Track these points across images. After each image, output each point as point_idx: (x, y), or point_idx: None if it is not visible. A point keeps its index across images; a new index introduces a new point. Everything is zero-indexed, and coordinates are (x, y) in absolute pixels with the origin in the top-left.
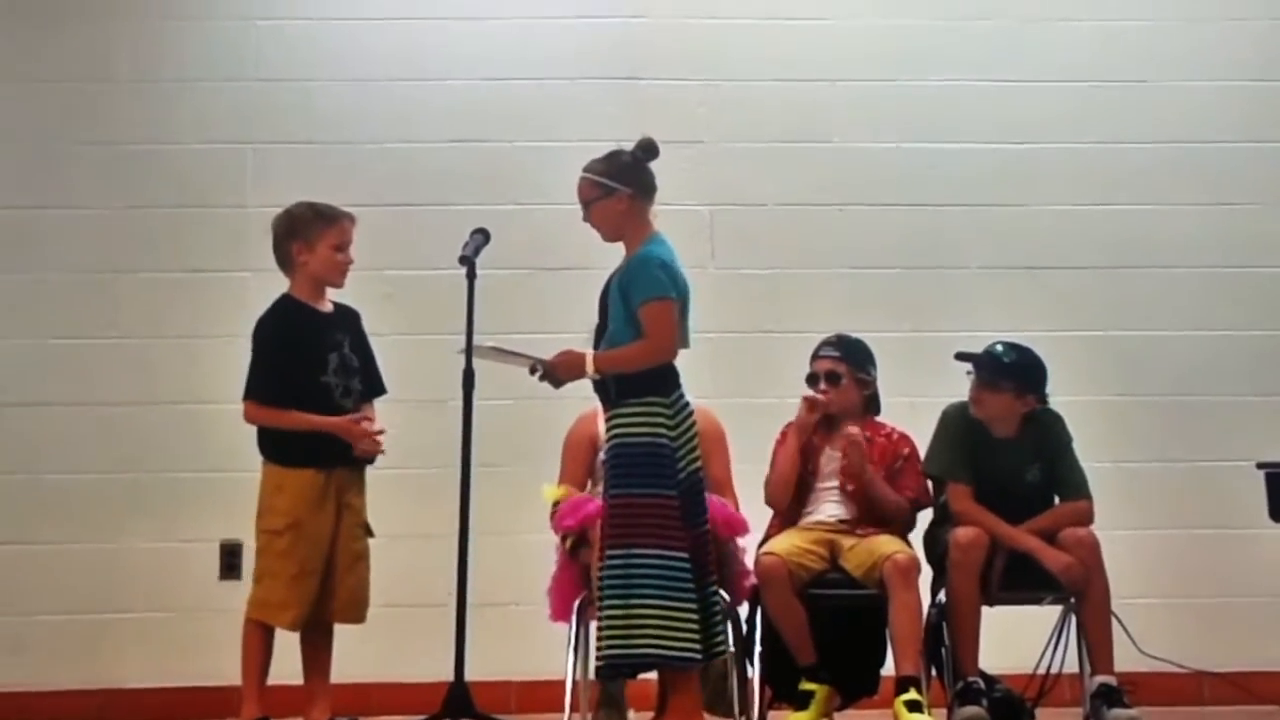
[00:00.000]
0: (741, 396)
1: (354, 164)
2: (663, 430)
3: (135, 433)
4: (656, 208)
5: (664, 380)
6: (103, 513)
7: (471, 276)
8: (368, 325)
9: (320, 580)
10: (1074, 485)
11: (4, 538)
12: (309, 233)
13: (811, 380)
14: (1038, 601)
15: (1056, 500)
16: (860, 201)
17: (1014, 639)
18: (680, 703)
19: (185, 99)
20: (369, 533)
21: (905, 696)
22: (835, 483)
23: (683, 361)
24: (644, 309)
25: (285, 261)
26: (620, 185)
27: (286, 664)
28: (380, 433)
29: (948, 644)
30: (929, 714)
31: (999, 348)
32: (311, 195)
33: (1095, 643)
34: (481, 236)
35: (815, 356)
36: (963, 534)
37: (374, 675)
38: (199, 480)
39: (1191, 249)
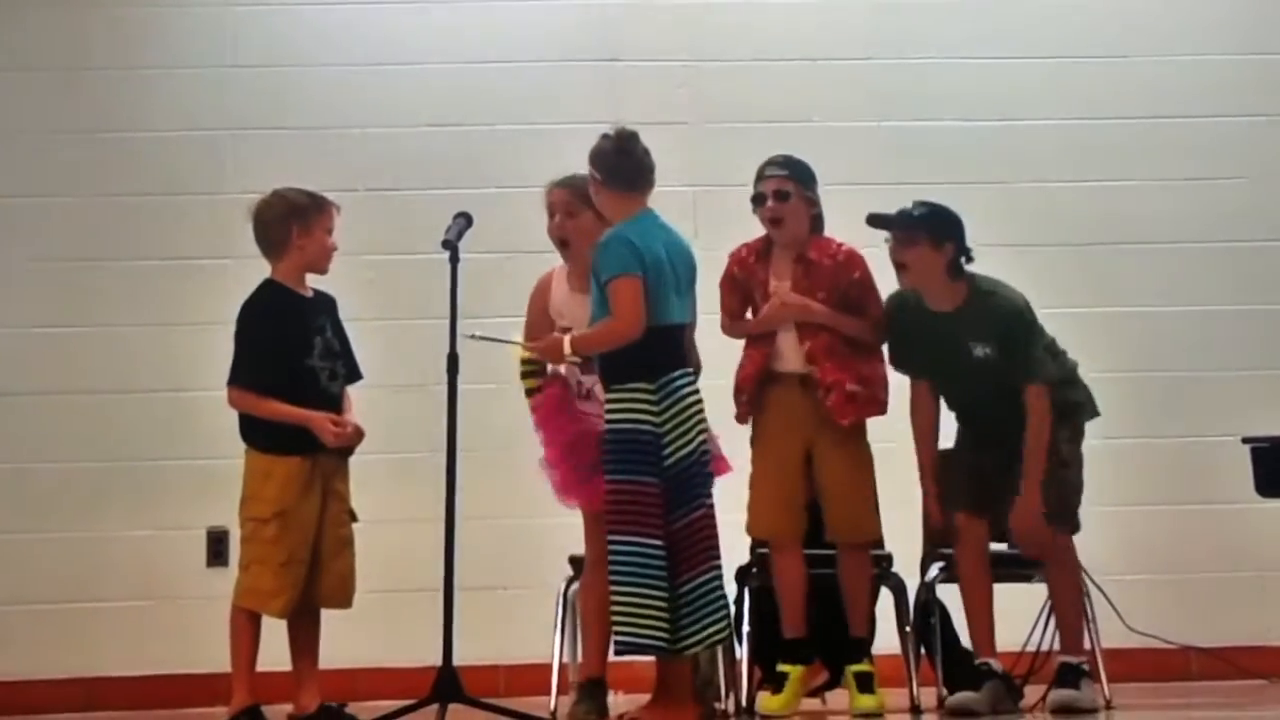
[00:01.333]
0: (725, 378)
1: (334, 149)
2: (645, 416)
3: (118, 421)
4: None
5: (650, 365)
6: (88, 502)
7: (454, 260)
8: (351, 311)
9: (308, 567)
10: (1023, 369)
11: None
12: (307, 217)
13: (758, 200)
14: (1027, 579)
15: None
16: (841, 180)
17: (1002, 617)
18: (663, 691)
19: (163, 86)
20: (353, 517)
21: (857, 667)
22: (792, 330)
23: None
24: (609, 287)
25: (278, 244)
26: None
27: (274, 650)
28: (354, 427)
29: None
30: (876, 693)
31: (909, 205)
32: (291, 181)
33: (1060, 623)
34: (464, 220)
35: (761, 177)
36: (964, 517)
37: (362, 660)
38: (184, 468)
39: (1174, 224)
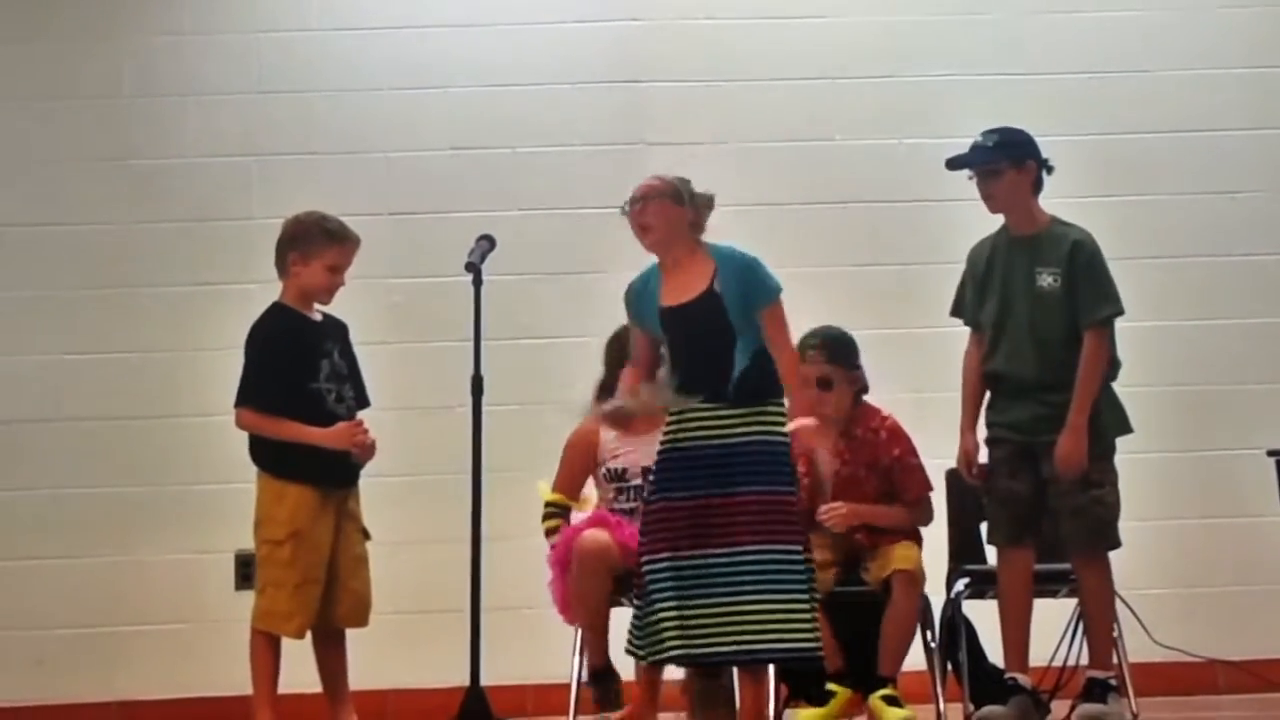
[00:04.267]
0: None
1: (358, 173)
2: (784, 433)
3: (147, 446)
4: None
5: (779, 384)
6: (118, 526)
7: (478, 283)
8: (376, 333)
9: (322, 588)
10: (1087, 303)
11: (22, 553)
12: (309, 246)
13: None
14: (1053, 594)
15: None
16: (863, 199)
17: (1033, 631)
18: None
19: (190, 113)
20: (366, 536)
21: (883, 691)
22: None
23: None
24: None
25: (280, 268)
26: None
27: (304, 673)
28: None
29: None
30: (904, 708)
31: (978, 137)
32: (315, 205)
33: (1090, 637)
34: (487, 243)
35: (801, 358)
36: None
37: (391, 682)
38: (212, 492)
39: (1196, 238)
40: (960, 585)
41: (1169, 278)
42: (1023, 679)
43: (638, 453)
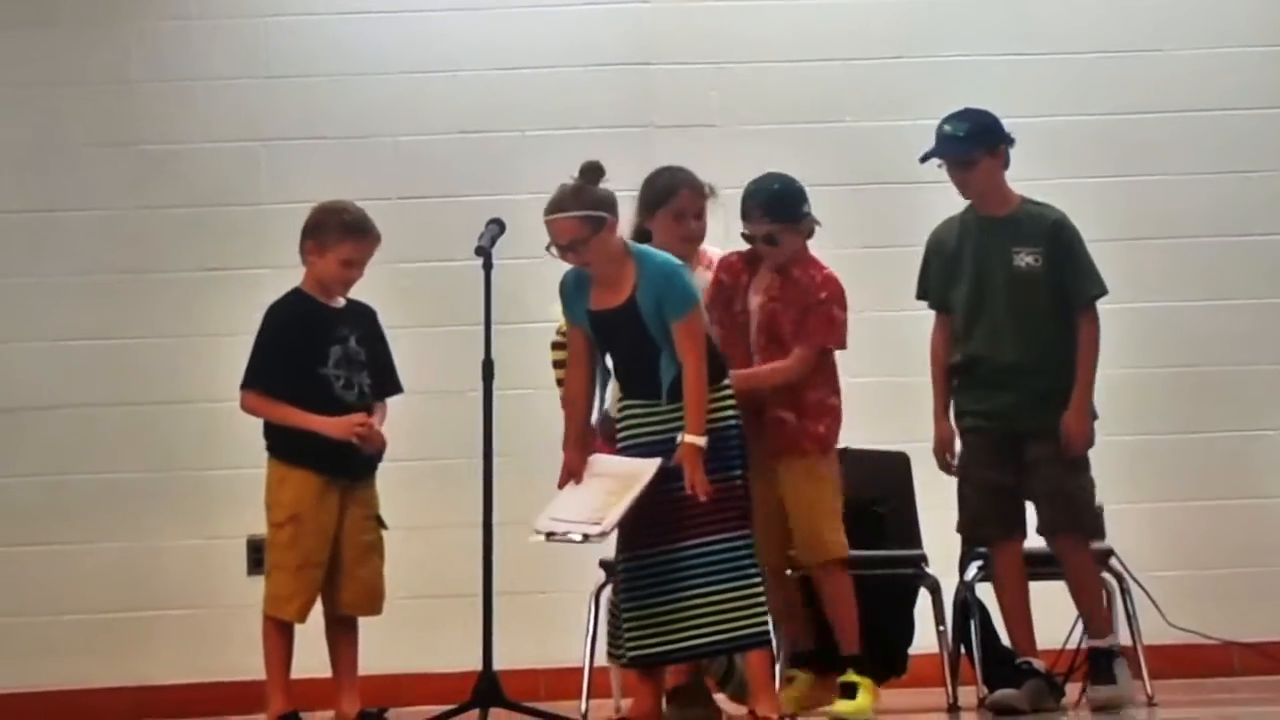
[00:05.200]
0: None
1: (367, 158)
2: (733, 413)
3: (159, 432)
4: None
5: (720, 366)
6: (130, 512)
7: (488, 267)
8: (387, 318)
9: (324, 572)
10: (1074, 280)
11: (33, 539)
12: (325, 237)
13: (750, 239)
14: (1062, 577)
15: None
16: (874, 180)
17: (1042, 614)
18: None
19: (198, 98)
20: (382, 524)
21: (843, 678)
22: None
23: None
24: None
25: (301, 253)
26: (609, 214)
27: (314, 657)
28: (371, 430)
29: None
30: (868, 692)
31: (946, 127)
32: (324, 190)
33: (1081, 610)
34: (497, 227)
35: (745, 216)
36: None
37: (403, 666)
38: (224, 477)
39: (1207, 218)
40: (973, 569)
41: (1181, 258)
42: (1036, 662)
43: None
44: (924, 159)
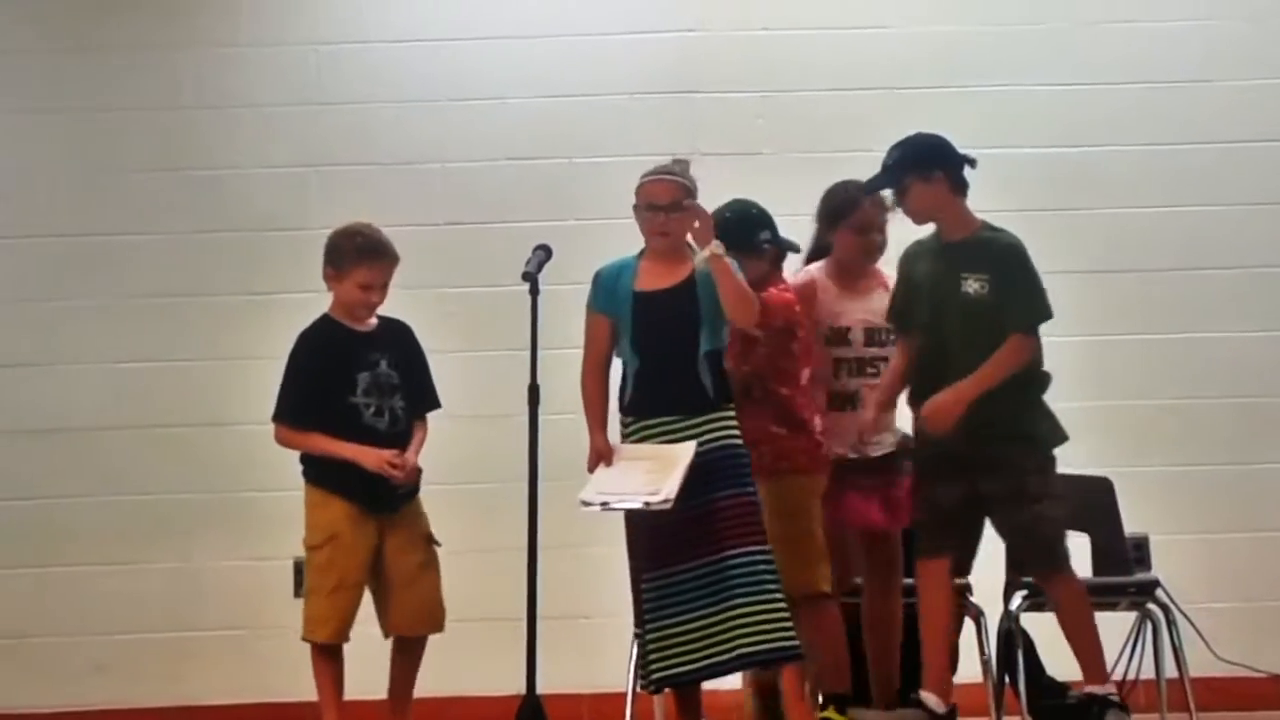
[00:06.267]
0: None
1: (415, 184)
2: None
3: (207, 454)
4: None
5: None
6: (178, 533)
7: (534, 292)
8: (433, 343)
9: (361, 594)
10: (1013, 308)
11: (83, 559)
12: (341, 263)
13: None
14: (1112, 607)
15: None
16: None
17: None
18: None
19: (248, 124)
20: (434, 542)
21: (823, 714)
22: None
23: None
24: None
25: (325, 280)
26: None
27: (366, 679)
28: (406, 465)
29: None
30: None
31: (883, 158)
32: (373, 216)
33: (1077, 654)
34: (544, 253)
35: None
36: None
37: (447, 689)
38: (272, 499)
39: (1257, 249)
40: (1018, 598)
41: (1230, 288)
42: (933, 701)
43: (860, 311)
44: (866, 190)
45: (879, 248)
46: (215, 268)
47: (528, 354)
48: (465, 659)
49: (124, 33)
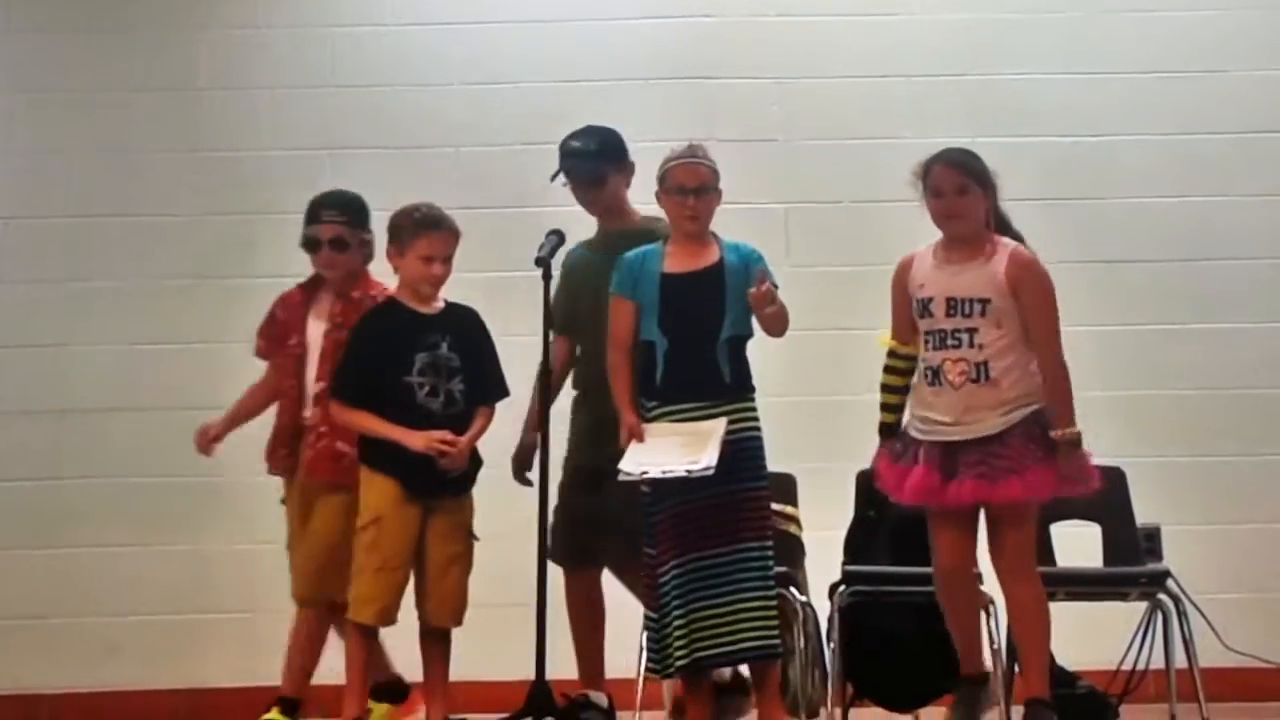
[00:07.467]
0: (816, 394)
1: (429, 168)
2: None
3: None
4: (732, 205)
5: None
6: (191, 515)
7: (547, 278)
8: None
9: (406, 576)
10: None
11: (95, 541)
12: (401, 239)
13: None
14: (1123, 597)
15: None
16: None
17: (1097, 635)
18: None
19: (264, 106)
20: (473, 536)
21: None
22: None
23: (757, 358)
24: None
25: (390, 262)
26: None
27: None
28: (456, 447)
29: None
30: None
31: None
32: (387, 199)
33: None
34: (556, 238)
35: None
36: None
37: (457, 674)
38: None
39: (1271, 239)
40: None
41: (1242, 279)
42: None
43: (944, 281)
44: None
45: (954, 214)
46: (230, 250)
47: (540, 339)
48: (475, 644)
49: (141, 12)
